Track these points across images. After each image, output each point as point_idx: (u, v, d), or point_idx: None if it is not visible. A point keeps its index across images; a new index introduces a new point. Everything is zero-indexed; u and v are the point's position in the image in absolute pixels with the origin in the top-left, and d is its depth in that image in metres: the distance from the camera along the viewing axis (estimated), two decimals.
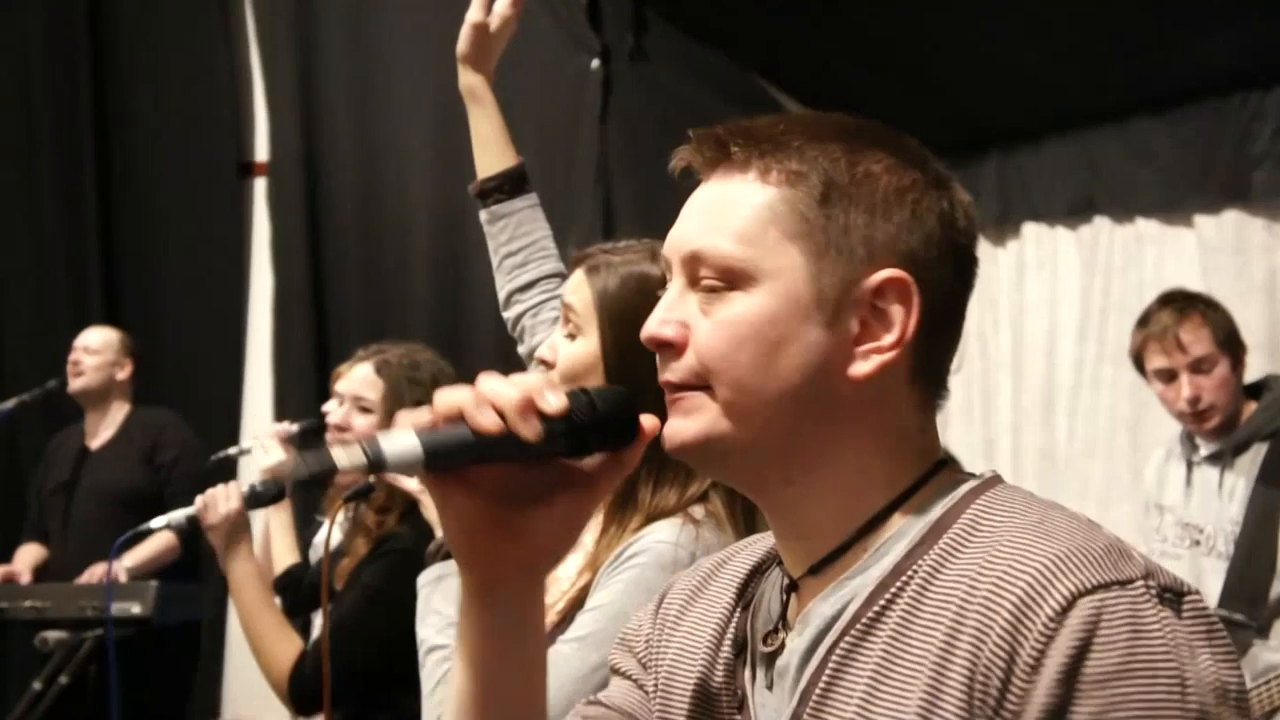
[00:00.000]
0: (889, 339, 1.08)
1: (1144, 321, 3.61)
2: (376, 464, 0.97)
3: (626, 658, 1.26)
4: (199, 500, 2.95)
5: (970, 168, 4.94)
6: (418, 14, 5.78)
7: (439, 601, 1.93)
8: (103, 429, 5.12)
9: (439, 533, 1.97)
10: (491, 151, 2.39)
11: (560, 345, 1.93)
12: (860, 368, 1.08)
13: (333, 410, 3.35)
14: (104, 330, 5.22)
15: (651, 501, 1.81)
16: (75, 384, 5.08)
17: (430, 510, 2.05)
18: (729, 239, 1.09)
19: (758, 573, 1.21)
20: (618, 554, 1.78)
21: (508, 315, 2.39)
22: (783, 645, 1.11)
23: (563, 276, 2.30)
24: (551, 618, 1.82)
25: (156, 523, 3.06)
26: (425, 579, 1.98)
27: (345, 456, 0.97)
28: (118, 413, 5.13)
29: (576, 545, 1.93)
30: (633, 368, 1.79)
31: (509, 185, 2.38)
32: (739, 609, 1.19)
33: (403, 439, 0.98)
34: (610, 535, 1.83)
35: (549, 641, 1.83)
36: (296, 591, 3.36)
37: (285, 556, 3.44)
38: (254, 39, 6.25)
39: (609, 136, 5.34)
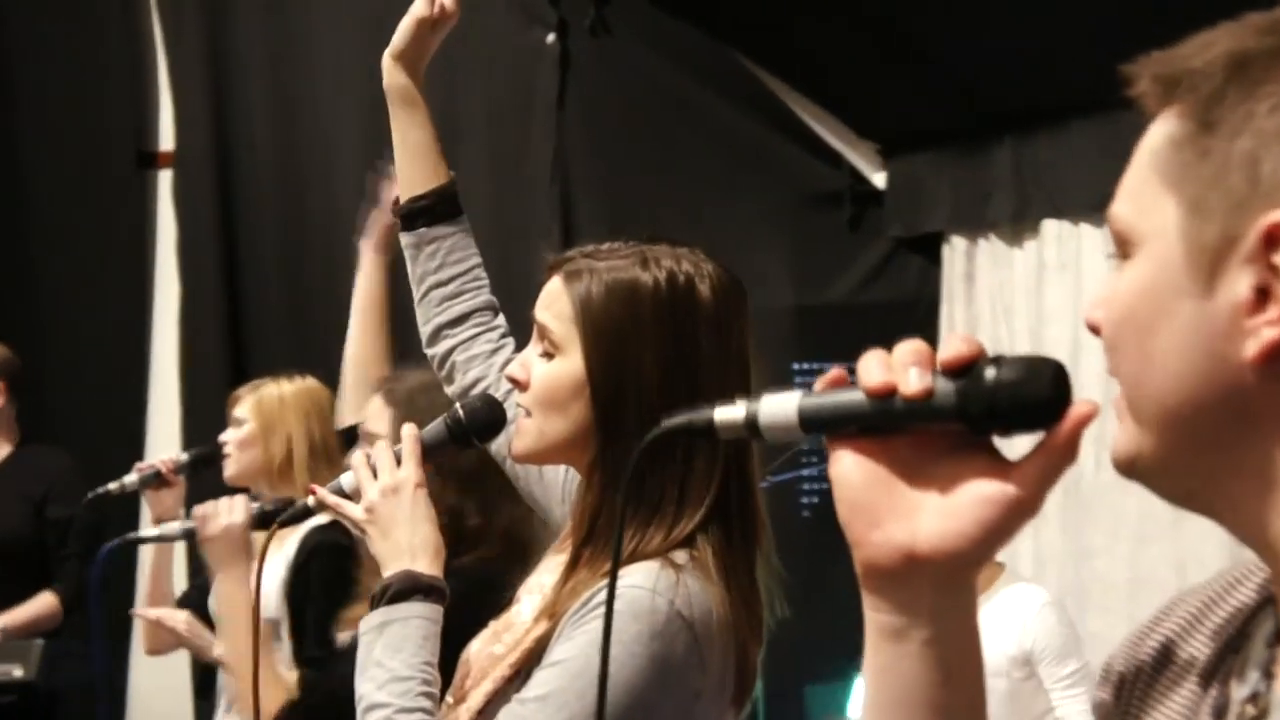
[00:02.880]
0: None
1: None
2: (752, 424, 1.02)
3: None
4: (197, 511, 2.99)
5: (980, 157, 4.81)
6: (350, 18, 5.63)
7: (382, 652, 1.86)
8: None
9: (385, 569, 1.92)
10: (421, 165, 2.29)
11: (534, 364, 1.86)
12: (1255, 345, 0.91)
13: (228, 436, 3.63)
14: None
15: (633, 542, 1.75)
16: None
17: (375, 542, 1.95)
18: (1120, 198, 0.99)
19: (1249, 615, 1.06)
20: (584, 600, 1.73)
21: (433, 352, 2.29)
22: (1265, 710, 1.00)
23: (495, 309, 2.27)
24: (503, 671, 1.79)
25: (148, 532, 3.20)
26: (367, 625, 1.90)
27: (725, 412, 1.04)
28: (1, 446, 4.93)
29: (534, 589, 1.88)
30: (622, 394, 1.78)
31: (440, 206, 2.27)
32: (1223, 665, 1.06)
33: (781, 400, 1.02)
34: (577, 579, 1.77)
35: (502, 699, 1.77)
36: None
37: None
38: (155, 10, 6.09)
39: (567, 123, 5.22)
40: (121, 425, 5.91)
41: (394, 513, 1.92)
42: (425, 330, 2.28)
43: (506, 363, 2.11)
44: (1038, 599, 3.80)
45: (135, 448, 5.86)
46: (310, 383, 3.77)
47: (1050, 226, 4.74)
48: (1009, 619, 3.79)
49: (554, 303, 1.83)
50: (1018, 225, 4.82)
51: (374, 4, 5.55)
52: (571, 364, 1.81)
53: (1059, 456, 0.94)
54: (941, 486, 0.97)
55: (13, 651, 3.97)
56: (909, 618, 1.00)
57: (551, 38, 5.20)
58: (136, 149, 6.08)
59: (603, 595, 1.69)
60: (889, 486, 0.99)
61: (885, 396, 0.96)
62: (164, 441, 5.82)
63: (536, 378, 1.84)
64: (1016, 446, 0.97)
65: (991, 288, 4.91)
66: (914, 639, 1.00)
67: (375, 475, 1.95)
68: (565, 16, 5.19)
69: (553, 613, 1.77)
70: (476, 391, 2.18)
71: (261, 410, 3.67)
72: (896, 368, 0.96)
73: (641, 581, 1.69)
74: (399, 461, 1.95)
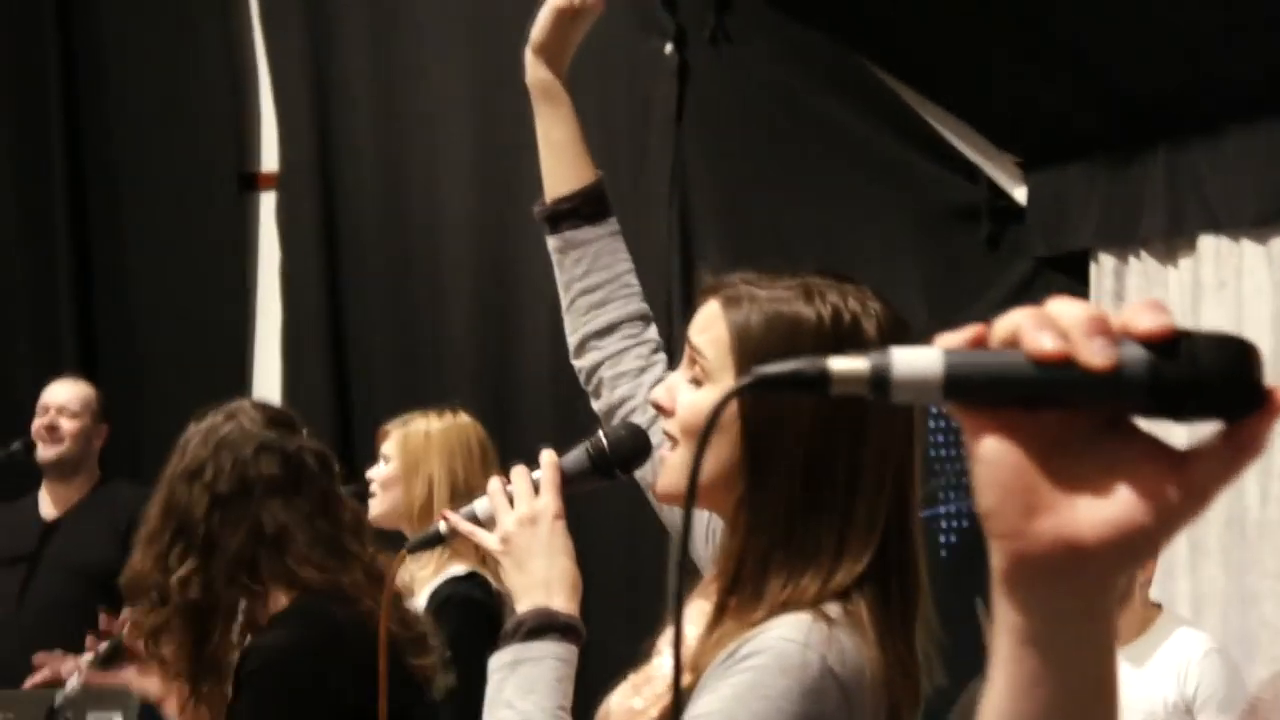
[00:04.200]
0: None
1: None
2: (879, 380, 0.91)
3: None
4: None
5: (1130, 169, 4.66)
6: (450, 2, 5.61)
7: (513, 692, 1.84)
8: (66, 499, 5.03)
9: (520, 604, 1.89)
10: (565, 163, 2.25)
11: (681, 388, 1.81)
12: None
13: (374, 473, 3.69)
14: (80, 386, 5.13)
15: (784, 592, 1.70)
16: (50, 451, 4.97)
17: (510, 574, 1.93)
18: None
19: None
20: (730, 652, 1.67)
21: (580, 364, 2.25)
22: None
23: (647, 319, 2.24)
24: None
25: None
26: (498, 663, 1.88)
27: (844, 363, 0.93)
28: (85, 483, 5.06)
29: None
30: (774, 433, 1.73)
31: (587, 207, 2.23)
32: None
33: (919, 353, 0.90)
34: (722, 630, 1.72)
35: None
36: None
37: None
38: (258, 28, 6.13)
39: (686, 135, 5.16)
40: None
41: (530, 544, 1.89)
42: (572, 340, 2.25)
43: (657, 382, 2.05)
44: (1202, 645, 3.71)
45: None
46: (461, 419, 3.75)
47: (1207, 243, 4.58)
48: (1170, 663, 3.70)
49: (710, 327, 1.78)
50: (1172, 241, 4.67)
51: (479, 20, 5.58)
52: (720, 393, 1.74)
53: (1247, 449, 0.88)
54: (1102, 471, 0.90)
55: (111, 698, 3.94)
56: (1055, 621, 0.93)
57: (669, 47, 5.14)
58: (238, 171, 6.10)
59: (750, 647, 1.65)
60: (1042, 469, 0.91)
61: (1057, 365, 0.87)
62: None
63: (683, 405, 1.80)
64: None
65: None
66: (1060, 645, 0.94)
67: (512, 503, 1.92)
68: (684, 24, 5.13)
69: (696, 665, 1.72)
70: (624, 410, 2.14)
71: (406, 449, 3.66)
72: (1073, 334, 0.87)
73: (792, 634, 1.64)
74: (537, 489, 1.91)
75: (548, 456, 1.93)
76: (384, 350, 5.83)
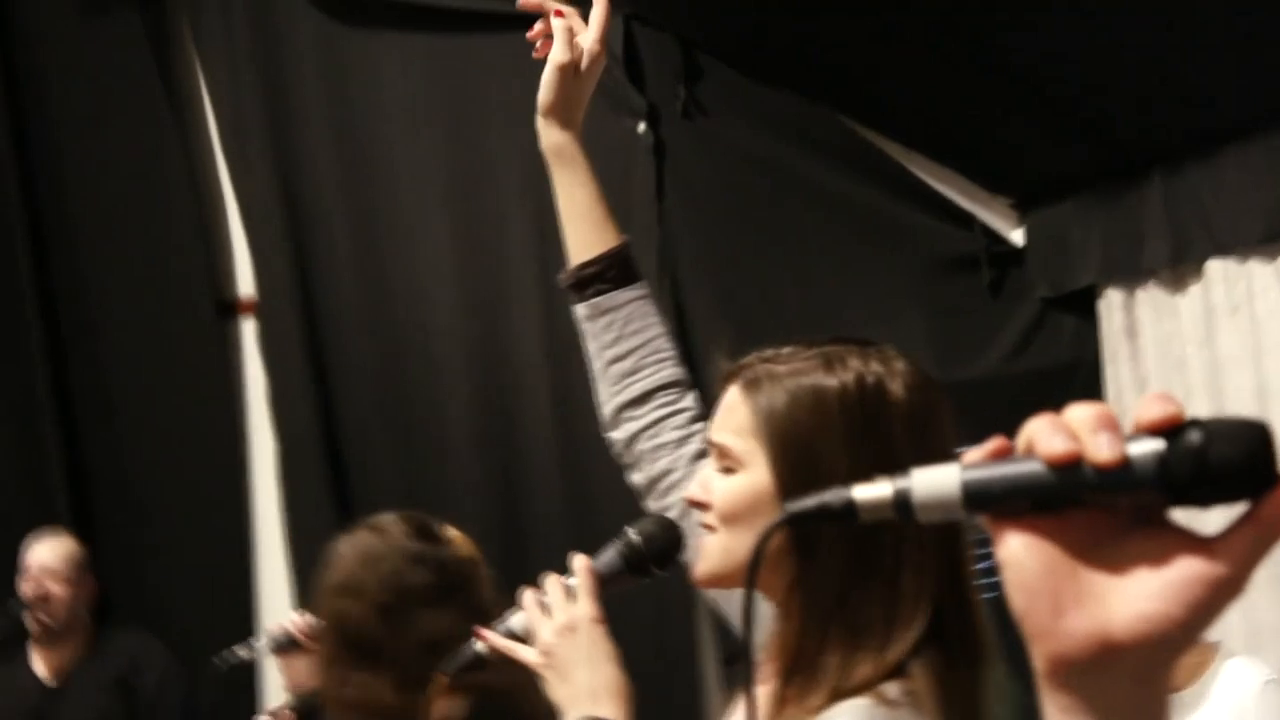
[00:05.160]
0: None
1: None
2: (902, 504, 0.97)
3: None
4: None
5: (1127, 200, 4.62)
6: (411, 96, 5.62)
7: None
8: (60, 660, 4.99)
9: (567, 717, 1.88)
10: (588, 227, 2.24)
11: (713, 480, 1.79)
12: None
13: None
14: (64, 544, 5.10)
15: (840, 672, 1.67)
16: (41, 621, 4.93)
17: (554, 687, 1.92)
18: None
19: None
20: None
21: (616, 436, 2.23)
22: None
23: (683, 385, 2.21)
24: None
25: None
26: None
27: (867, 490, 0.98)
28: (79, 642, 5.01)
29: None
30: (823, 530, 1.70)
31: (614, 270, 2.22)
32: None
33: (938, 474, 0.96)
34: (788, 716, 1.69)
35: None
36: None
37: None
38: (220, 155, 6.14)
39: (669, 213, 5.09)
40: (229, 593, 5.87)
41: (572, 653, 1.88)
42: (605, 411, 2.22)
43: (698, 454, 2.06)
44: (1259, 677, 3.63)
45: (244, 615, 5.84)
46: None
47: (1215, 267, 4.52)
48: (1226, 702, 3.62)
49: (731, 417, 1.78)
50: (1179, 269, 4.61)
51: (445, 119, 5.56)
52: (755, 477, 1.75)
53: (1272, 528, 0.90)
54: (1129, 565, 0.93)
55: None
56: (1105, 714, 0.94)
57: (642, 126, 5.09)
58: (214, 299, 6.08)
59: None
60: (1069, 569, 0.95)
61: (1070, 466, 0.91)
62: (276, 602, 5.80)
63: (719, 493, 1.77)
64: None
65: (1158, 341, 4.69)
66: None
67: (547, 613, 1.90)
68: (654, 102, 5.07)
69: None
70: (665, 484, 2.11)
71: None
72: (1082, 433, 0.91)
73: None
74: (572, 596, 1.91)
75: (580, 561, 1.92)
76: (383, 462, 5.76)
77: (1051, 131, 4.65)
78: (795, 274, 5.00)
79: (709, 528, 1.80)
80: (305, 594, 5.56)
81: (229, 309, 6.10)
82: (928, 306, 4.96)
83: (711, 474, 1.80)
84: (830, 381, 1.73)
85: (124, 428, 6.02)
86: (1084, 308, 4.89)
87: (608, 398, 2.21)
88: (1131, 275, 4.73)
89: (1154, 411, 0.91)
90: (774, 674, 1.73)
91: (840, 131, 4.98)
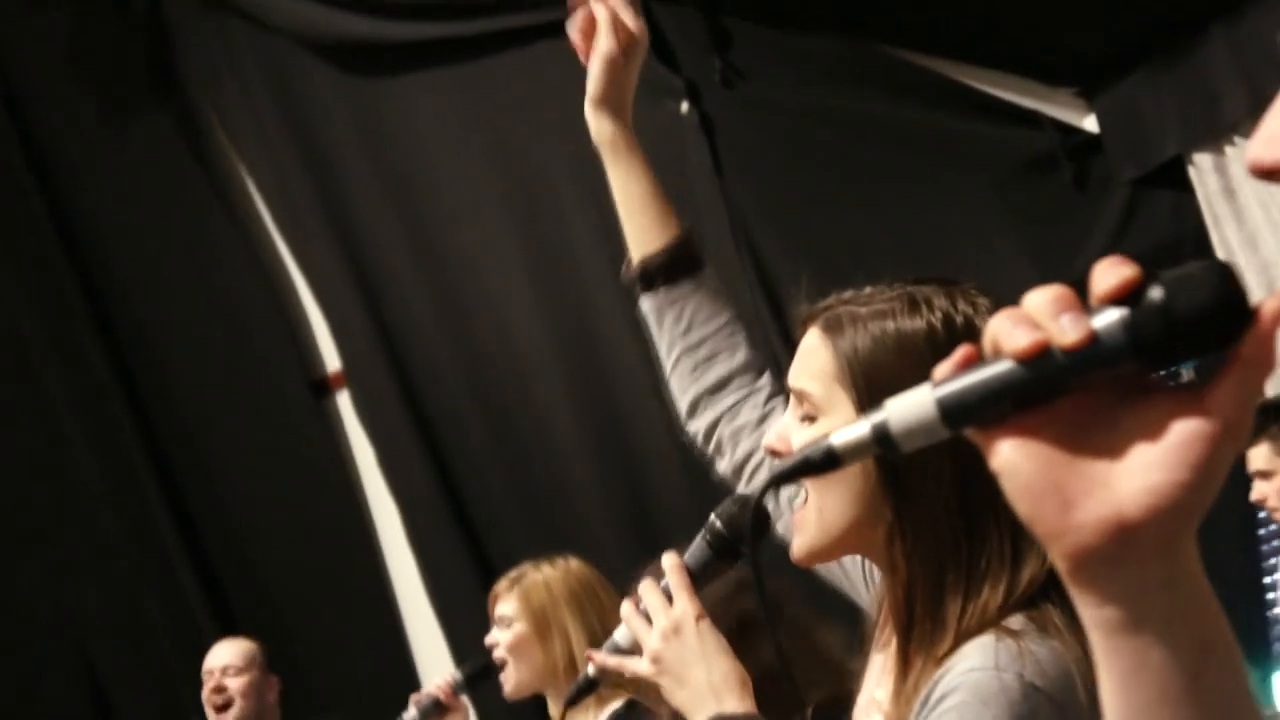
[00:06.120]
0: None
1: None
2: (882, 438, 0.96)
3: None
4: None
5: (1193, 59, 4.54)
6: (451, 131, 5.61)
7: None
8: None
9: (693, 718, 1.85)
10: (648, 218, 2.19)
11: (794, 430, 1.73)
12: None
13: (496, 638, 3.56)
14: (239, 642, 5.06)
15: (966, 614, 1.61)
16: (225, 717, 4.87)
17: (673, 692, 1.89)
18: None
19: None
20: (924, 699, 1.59)
21: (695, 427, 2.19)
22: None
23: (759, 367, 2.17)
24: None
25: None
26: None
27: (845, 434, 0.98)
28: None
29: (868, 707, 1.78)
30: (914, 457, 1.52)
31: (679, 260, 2.18)
32: None
33: (911, 398, 0.95)
34: (915, 674, 1.64)
35: None
36: None
37: None
38: (278, 235, 6.17)
39: (731, 187, 5.02)
40: (387, 665, 5.90)
41: (683, 655, 1.85)
42: (682, 404, 2.20)
43: None
44: None
45: (407, 680, 5.80)
46: (574, 564, 3.64)
47: None
48: None
49: (811, 361, 1.72)
50: (1261, 116, 4.50)
51: (492, 135, 5.54)
52: (837, 425, 1.60)
53: (1256, 365, 0.89)
54: (1126, 442, 0.92)
55: None
56: (1139, 602, 0.94)
57: (685, 106, 5.04)
58: (307, 380, 6.12)
59: (942, 688, 1.57)
60: (1066, 461, 0.94)
61: (1040, 356, 0.90)
62: (435, 664, 5.79)
63: (802, 444, 1.69)
64: None
65: (1258, 194, 4.58)
66: (1153, 622, 0.94)
67: (649, 621, 1.88)
68: (691, 78, 5.02)
69: None
70: (751, 466, 2.08)
71: (530, 605, 3.54)
72: (1043, 320, 0.90)
73: (980, 662, 1.56)
74: (670, 598, 1.88)
75: (670, 560, 1.90)
76: (506, 505, 5.75)
77: (1101, 7, 4.56)
78: (874, 215, 4.92)
79: (803, 493, 1.75)
80: (459, 643, 5.59)
81: (322, 386, 6.14)
82: (1015, 217, 4.87)
83: (791, 422, 1.75)
84: (916, 323, 1.67)
85: (245, 528, 6.07)
86: (1175, 180, 4.79)
87: (684, 389, 2.18)
88: (1216, 134, 4.62)
89: (1110, 280, 0.89)
90: (893, 632, 1.68)
91: (885, 62, 4.92)
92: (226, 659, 4.94)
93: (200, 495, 6.09)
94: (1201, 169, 4.69)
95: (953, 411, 0.94)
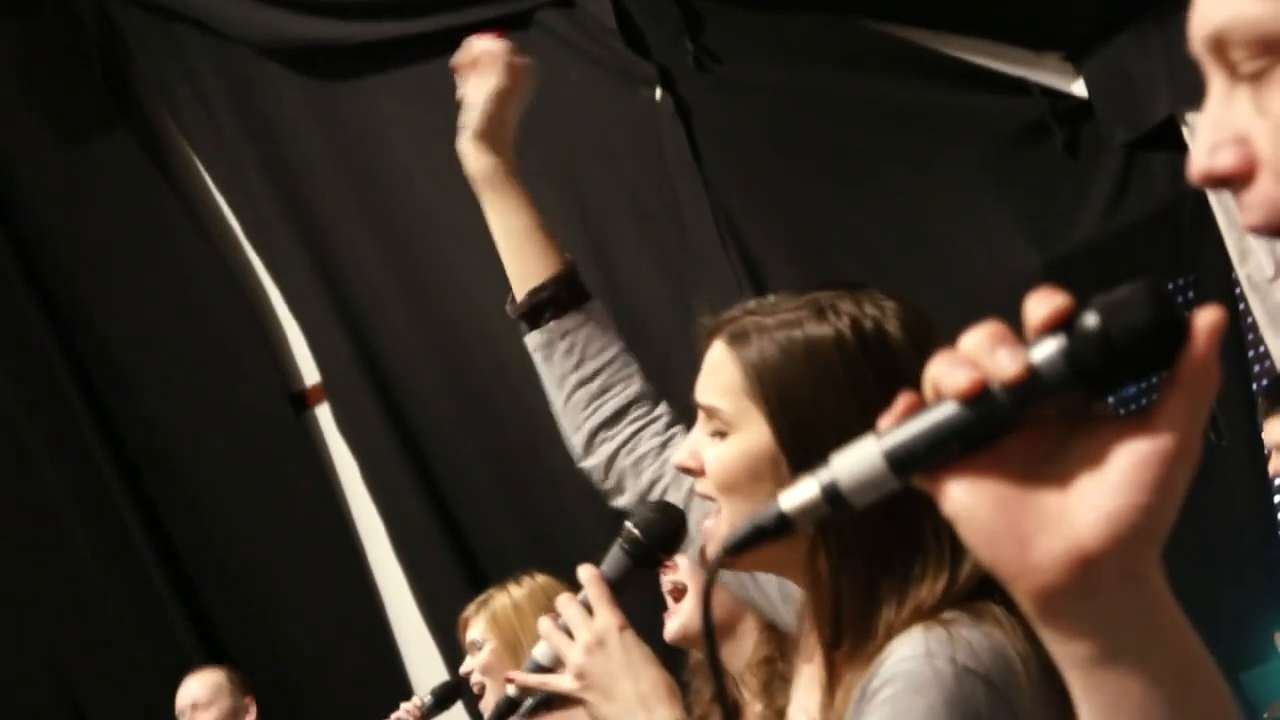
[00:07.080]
0: None
1: None
2: (833, 497, 0.97)
3: None
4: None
5: (1185, 14, 4.24)
6: (419, 131, 5.48)
7: None
8: None
9: None
10: (531, 251, 2.23)
11: (704, 446, 1.73)
12: None
13: (470, 665, 3.63)
14: (207, 674, 5.15)
15: (900, 615, 1.61)
16: None
17: (600, 706, 1.88)
18: None
19: None
20: (859, 696, 1.60)
21: (593, 462, 2.21)
22: None
23: (652, 397, 2.20)
24: None
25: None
26: None
27: (793, 496, 0.98)
28: None
29: (800, 713, 1.80)
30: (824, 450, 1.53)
31: (566, 292, 2.22)
32: None
33: (857, 452, 0.96)
34: (844, 685, 1.64)
35: None
36: None
37: None
38: (252, 253, 6.15)
39: (711, 174, 4.97)
40: (378, 675, 5.88)
41: (608, 668, 1.84)
42: (577, 439, 2.22)
43: None
44: None
45: (403, 696, 5.77)
46: (540, 580, 3.69)
47: None
48: None
49: (718, 376, 1.72)
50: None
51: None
52: (749, 440, 1.69)
53: (1199, 381, 0.90)
54: (1078, 472, 0.93)
55: None
56: (1112, 634, 0.95)
57: (659, 93, 5.00)
58: (287, 394, 6.07)
59: (875, 683, 1.58)
60: (1020, 498, 0.94)
61: (982, 395, 0.91)
62: (431, 679, 5.70)
63: (713, 460, 1.72)
64: None
65: None
66: (1129, 654, 0.95)
67: (571, 635, 1.87)
68: (662, 64, 4.98)
69: None
70: (657, 493, 2.08)
71: (499, 626, 3.58)
72: (980, 358, 0.91)
73: (910, 652, 1.57)
74: (590, 610, 1.87)
75: (586, 571, 1.89)
76: (496, 512, 5.71)
77: None
78: (860, 196, 4.88)
79: (707, 497, 1.75)
80: (454, 660, 5.56)
81: (300, 400, 6.09)
82: (1008, 188, 4.82)
83: (701, 439, 1.74)
84: (824, 330, 1.68)
85: (228, 545, 6.04)
86: (1170, 141, 4.72)
87: (577, 425, 2.20)
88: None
89: (1042, 310, 0.90)
90: (820, 643, 1.67)
91: (862, 36, 4.86)
92: (193, 696, 5.04)
93: (180, 515, 6.06)
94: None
95: (900, 461, 0.94)
